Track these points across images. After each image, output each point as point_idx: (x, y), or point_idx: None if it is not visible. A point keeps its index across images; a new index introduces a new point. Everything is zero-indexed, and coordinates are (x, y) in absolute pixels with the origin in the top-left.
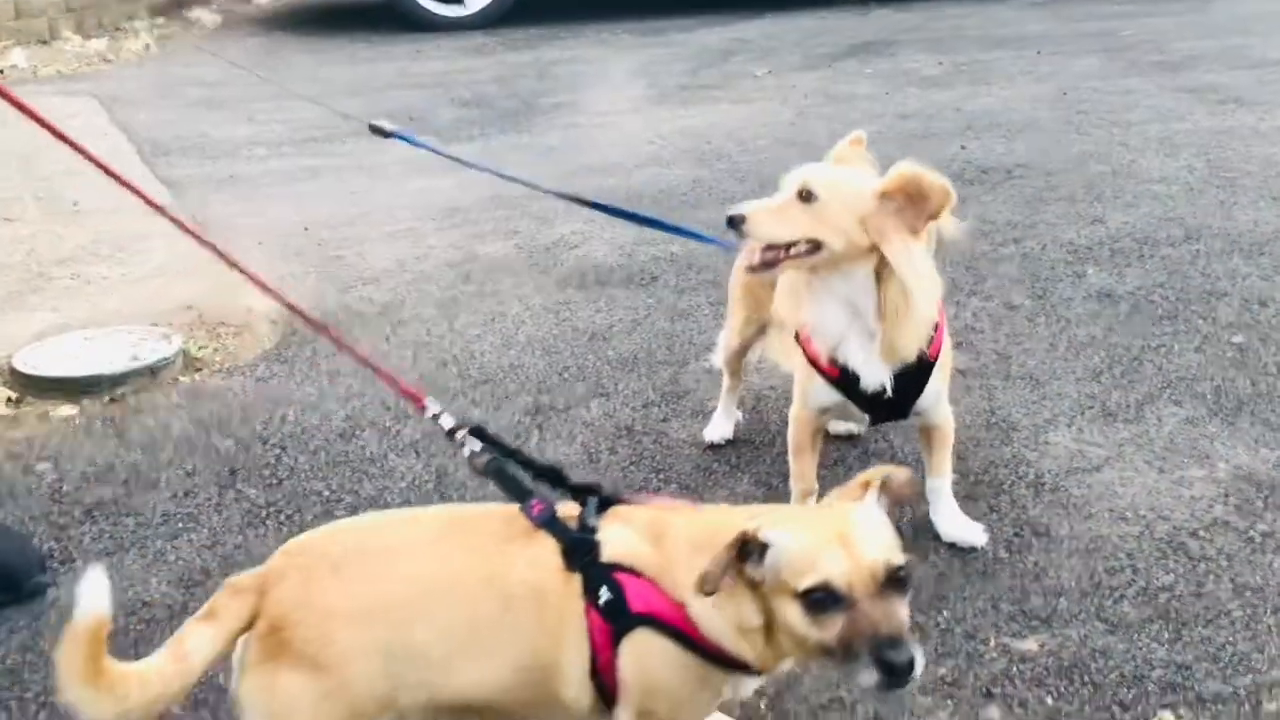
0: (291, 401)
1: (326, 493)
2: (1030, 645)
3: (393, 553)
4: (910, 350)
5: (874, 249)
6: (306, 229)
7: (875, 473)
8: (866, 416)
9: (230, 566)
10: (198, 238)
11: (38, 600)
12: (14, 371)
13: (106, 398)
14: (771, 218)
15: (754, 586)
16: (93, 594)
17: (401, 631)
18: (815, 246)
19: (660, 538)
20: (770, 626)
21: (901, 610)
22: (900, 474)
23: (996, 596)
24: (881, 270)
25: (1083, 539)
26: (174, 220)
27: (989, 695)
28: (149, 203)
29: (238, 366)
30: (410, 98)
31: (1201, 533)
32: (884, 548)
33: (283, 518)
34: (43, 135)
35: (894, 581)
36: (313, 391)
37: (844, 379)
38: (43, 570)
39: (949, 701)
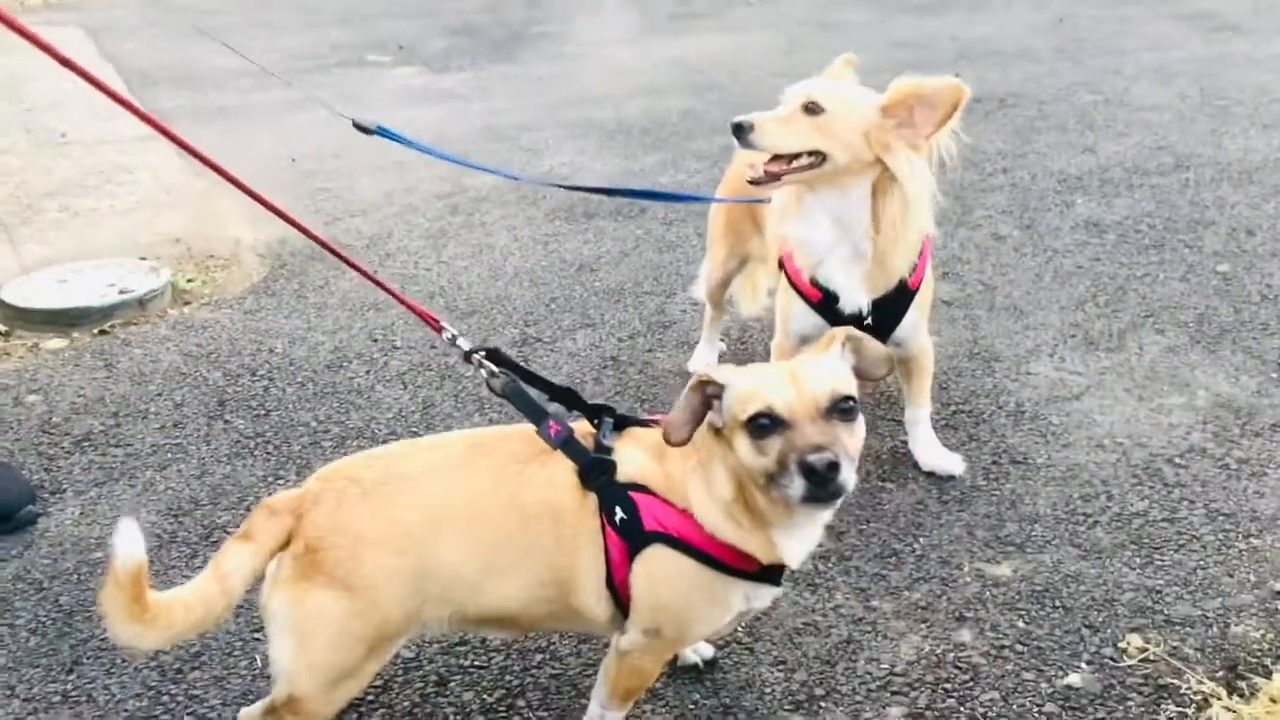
0: (279, 334)
1: (314, 423)
2: (1004, 570)
3: (418, 479)
4: (901, 267)
5: (875, 163)
6: (294, 161)
7: (843, 331)
8: None
9: (219, 496)
10: (227, 175)
11: (28, 530)
12: (3, 304)
13: (96, 330)
14: (778, 127)
15: (718, 435)
16: (127, 542)
17: (428, 554)
18: (819, 159)
19: (664, 454)
20: (745, 495)
21: (844, 434)
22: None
23: (972, 524)
24: (879, 186)
25: (1060, 466)
26: (218, 169)
27: (961, 619)
28: (189, 149)
29: (226, 299)
30: (400, 26)
31: (1178, 459)
32: (831, 380)
33: (270, 448)
34: (29, 66)
35: (839, 410)
36: (300, 324)
37: (825, 302)
38: (33, 500)
39: (922, 625)
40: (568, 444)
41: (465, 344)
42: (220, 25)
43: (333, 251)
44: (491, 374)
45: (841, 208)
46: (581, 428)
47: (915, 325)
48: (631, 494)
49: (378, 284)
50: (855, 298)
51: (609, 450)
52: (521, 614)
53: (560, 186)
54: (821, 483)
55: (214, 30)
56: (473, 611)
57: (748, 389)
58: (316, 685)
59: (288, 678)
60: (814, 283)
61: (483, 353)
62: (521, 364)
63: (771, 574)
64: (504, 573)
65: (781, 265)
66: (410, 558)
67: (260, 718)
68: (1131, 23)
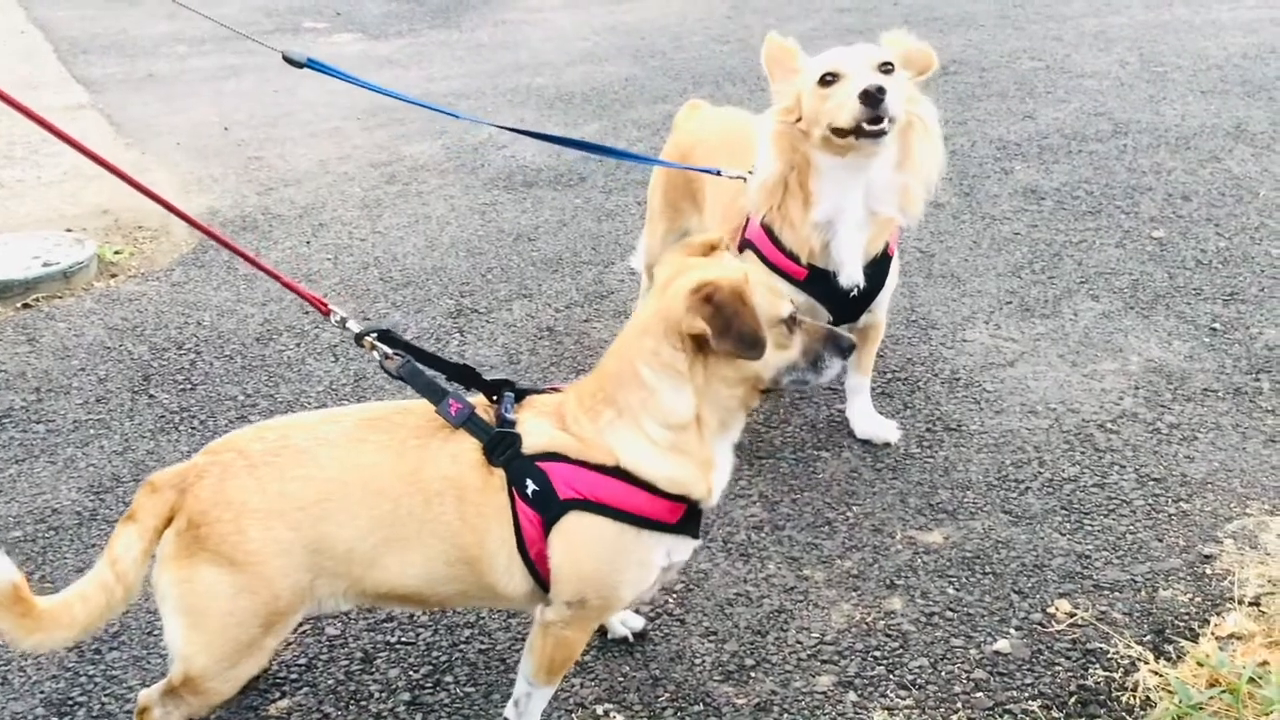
0: (208, 306)
1: (241, 397)
2: (935, 538)
3: (309, 451)
4: (922, 201)
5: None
6: (227, 129)
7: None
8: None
9: (142, 472)
10: (97, 158)
11: None
12: None
13: (19, 303)
14: (892, 90)
15: (699, 350)
16: None
17: (317, 527)
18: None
19: (563, 415)
20: (700, 418)
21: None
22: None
23: (905, 491)
24: (904, 131)
25: (993, 433)
26: (84, 151)
27: (892, 586)
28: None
29: (154, 271)
30: None
31: (1109, 425)
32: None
33: (196, 423)
34: None
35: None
36: (229, 296)
37: (813, 279)
38: None
39: (853, 594)
40: (470, 421)
41: (355, 326)
42: None
43: (207, 232)
44: (385, 356)
45: (878, 169)
46: (481, 402)
47: (891, 290)
48: (542, 464)
49: (259, 266)
50: (856, 271)
51: (512, 424)
52: (425, 591)
53: (500, 127)
54: (850, 350)
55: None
56: (370, 587)
57: (771, 288)
58: (212, 664)
59: (182, 658)
60: (806, 261)
61: (374, 334)
62: (412, 343)
63: (689, 525)
64: (403, 549)
65: (745, 248)
66: (299, 531)
67: (160, 699)
68: None
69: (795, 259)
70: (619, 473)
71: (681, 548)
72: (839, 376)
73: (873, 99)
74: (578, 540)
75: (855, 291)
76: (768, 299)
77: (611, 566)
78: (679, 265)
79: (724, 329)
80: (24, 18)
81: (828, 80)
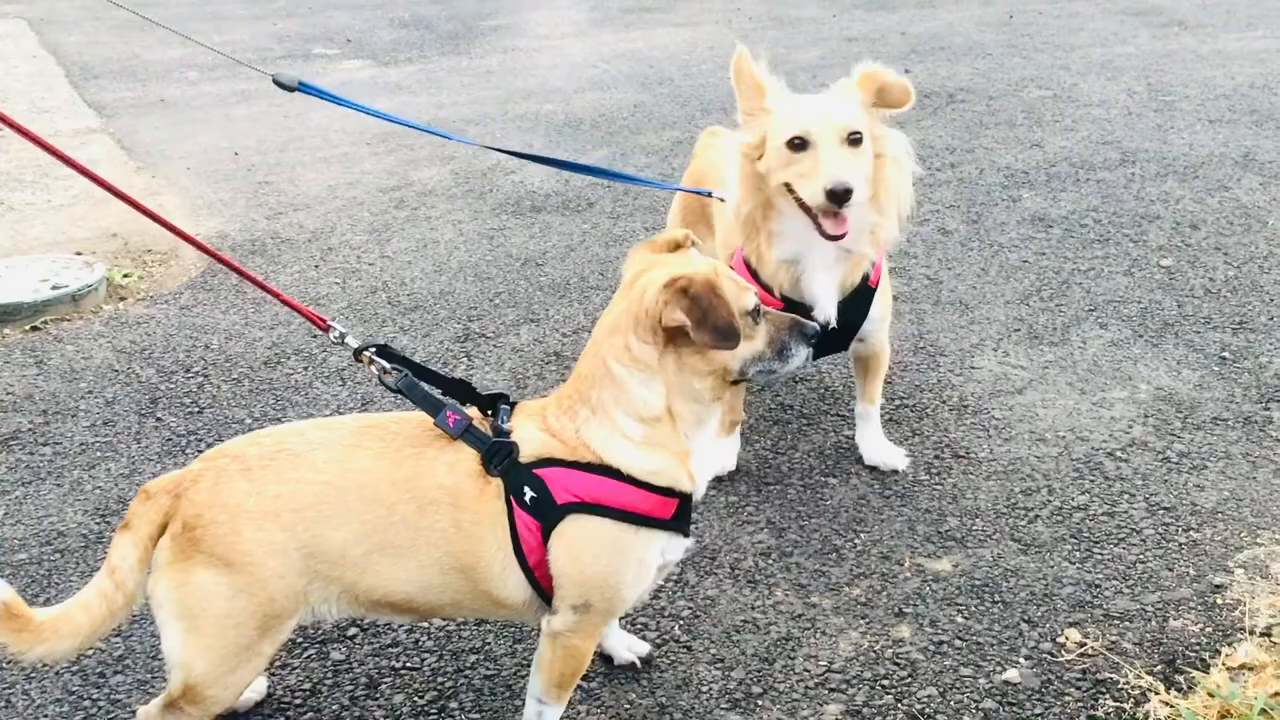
0: (216, 329)
1: (249, 420)
2: (944, 565)
3: (305, 456)
4: (893, 237)
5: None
6: (237, 154)
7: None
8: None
9: None
10: (105, 184)
11: None
12: None
13: (27, 326)
14: (857, 177)
15: (670, 343)
16: None
17: (311, 530)
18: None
19: (545, 417)
20: (671, 411)
21: None
22: None
23: (914, 518)
24: (876, 173)
25: (1001, 461)
26: (90, 175)
27: (900, 614)
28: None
29: (162, 294)
30: (348, 18)
31: (1118, 453)
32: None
33: (203, 446)
34: None
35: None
36: (238, 319)
37: (790, 311)
38: None
39: (862, 621)
40: (468, 432)
41: (354, 341)
42: (164, 17)
43: (208, 251)
44: (384, 370)
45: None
46: (476, 416)
47: (881, 320)
48: (539, 471)
49: (258, 283)
50: (829, 306)
51: (507, 434)
52: (418, 599)
53: (499, 150)
54: (817, 340)
55: (160, 22)
56: (364, 593)
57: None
58: (212, 668)
59: (181, 666)
60: (783, 295)
61: (373, 349)
62: (409, 358)
63: (680, 521)
64: (397, 556)
65: None
66: (293, 533)
67: (159, 714)
68: (1080, 18)
69: (771, 291)
70: (607, 470)
71: (674, 545)
72: (804, 364)
73: (839, 198)
74: (578, 543)
75: (831, 325)
76: (735, 291)
77: (612, 566)
78: (645, 262)
79: (701, 320)
80: (36, 42)
81: (796, 144)
